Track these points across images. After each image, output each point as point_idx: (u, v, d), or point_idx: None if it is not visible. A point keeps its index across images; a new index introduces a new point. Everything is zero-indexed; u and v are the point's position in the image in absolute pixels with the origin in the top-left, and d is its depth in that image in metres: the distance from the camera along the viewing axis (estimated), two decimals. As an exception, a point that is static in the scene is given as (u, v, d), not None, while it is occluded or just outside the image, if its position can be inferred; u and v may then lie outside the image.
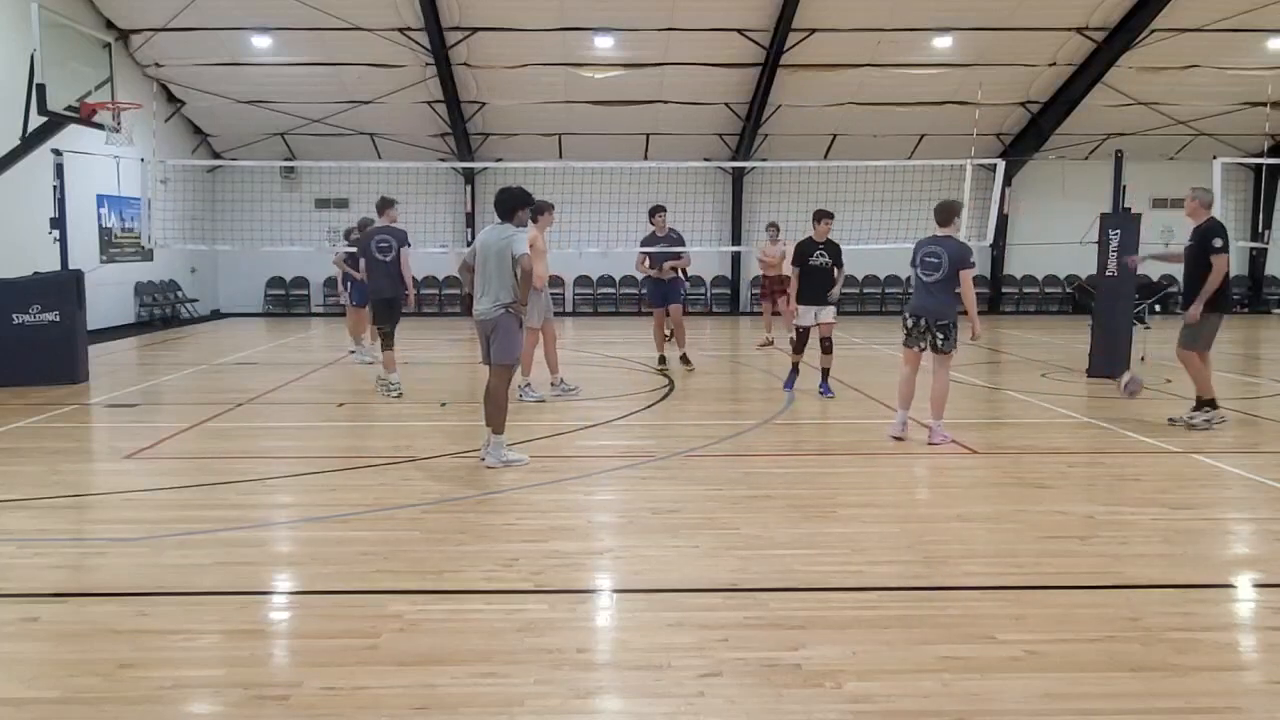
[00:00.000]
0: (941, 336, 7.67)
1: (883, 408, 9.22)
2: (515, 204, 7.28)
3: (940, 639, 4.15)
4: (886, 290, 22.92)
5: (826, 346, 10.10)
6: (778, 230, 14.61)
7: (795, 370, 10.47)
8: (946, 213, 7.75)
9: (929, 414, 7.84)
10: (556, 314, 11.17)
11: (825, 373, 10.16)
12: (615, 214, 16.54)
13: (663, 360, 12.10)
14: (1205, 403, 8.46)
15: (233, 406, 9.74)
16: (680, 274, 11.96)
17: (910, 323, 7.84)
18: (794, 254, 10.08)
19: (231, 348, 15.46)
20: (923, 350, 7.83)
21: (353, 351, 13.27)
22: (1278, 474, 6.89)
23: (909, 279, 7.61)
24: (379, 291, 10.30)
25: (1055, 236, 18.04)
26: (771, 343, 14.36)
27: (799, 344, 10.33)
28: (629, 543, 5.36)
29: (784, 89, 19.61)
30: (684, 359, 12.11)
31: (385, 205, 10.50)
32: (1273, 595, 4.65)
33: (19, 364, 10.74)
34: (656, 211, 11.81)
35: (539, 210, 9.79)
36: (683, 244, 11.83)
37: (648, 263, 11.77)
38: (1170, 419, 8.61)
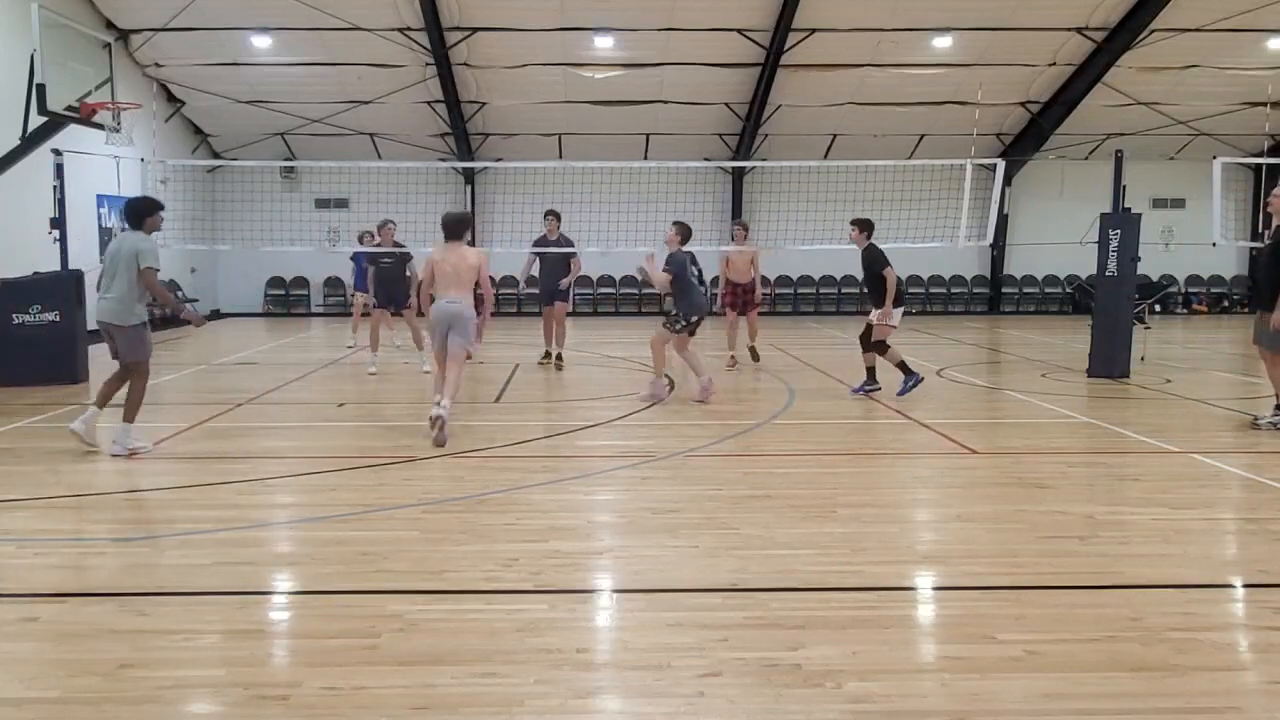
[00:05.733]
0: None
1: (883, 408, 9.22)
2: (145, 212, 7.90)
3: (940, 639, 4.16)
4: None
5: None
6: (746, 231, 12.71)
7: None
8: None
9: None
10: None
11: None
12: (615, 214, 16.54)
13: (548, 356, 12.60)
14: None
15: (233, 406, 9.74)
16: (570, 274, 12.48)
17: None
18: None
19: (231, 348, 15.45)
20: None
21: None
22: (1278, 474, 6.89)
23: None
24: None
25: (1055, 236, 18.02)
26: (736, 362, 12.73)
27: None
28: (629, 543, 5.36)
29: (784, 89, 19.60)
30: (557, 357, 12.49)
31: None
32: (1273, 595, 4.65)
33: (19, 364, 10.74)
34: (549, 215, 12.40)
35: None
36: (572, 247, 12.41)
37: (536, 265, 12.40)
38: (1255, 422, 8.49)
